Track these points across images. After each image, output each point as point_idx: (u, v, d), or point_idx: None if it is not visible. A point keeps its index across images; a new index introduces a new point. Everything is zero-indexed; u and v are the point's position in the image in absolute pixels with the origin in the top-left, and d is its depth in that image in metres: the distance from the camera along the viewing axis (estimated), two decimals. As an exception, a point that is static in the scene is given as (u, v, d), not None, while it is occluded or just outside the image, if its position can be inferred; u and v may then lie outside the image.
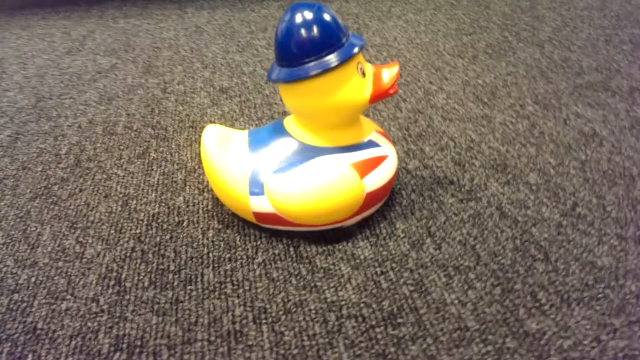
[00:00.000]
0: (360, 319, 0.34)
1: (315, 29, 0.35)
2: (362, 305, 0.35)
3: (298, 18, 0.35)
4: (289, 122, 0.41)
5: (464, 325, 0.33)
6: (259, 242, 0.40)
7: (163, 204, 0.45)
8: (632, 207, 0.42)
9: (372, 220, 0.42)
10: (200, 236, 0.41)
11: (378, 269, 0.37)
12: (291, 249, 0.39)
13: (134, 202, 0.45)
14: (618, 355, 0.30)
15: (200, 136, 0.55)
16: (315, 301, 0.35)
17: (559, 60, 0.69)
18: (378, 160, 0.39)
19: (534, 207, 0.43)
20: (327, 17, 0.35)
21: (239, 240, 0.40)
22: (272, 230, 0.41)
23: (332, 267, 0.38)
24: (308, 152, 0.39)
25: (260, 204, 0.38)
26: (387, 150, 0.40)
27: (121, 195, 0.46)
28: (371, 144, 0.40)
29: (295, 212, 0.37)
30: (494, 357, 0.31)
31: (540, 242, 0.39)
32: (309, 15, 0.35)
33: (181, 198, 0.46)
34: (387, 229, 0.41)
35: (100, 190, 0.47)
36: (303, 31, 0.35)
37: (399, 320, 0.33)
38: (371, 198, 0.39)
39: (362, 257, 0.38)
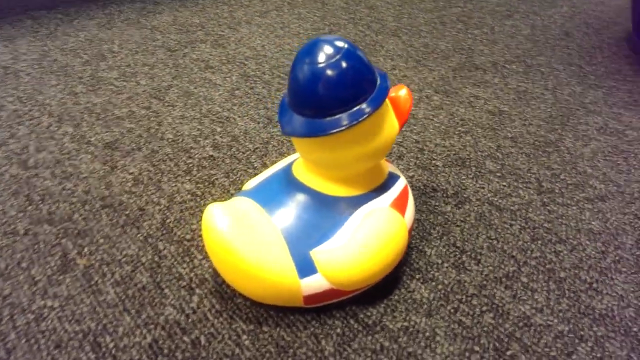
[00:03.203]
0: (476, 369, 0.31)
1: (352, 74, 0.29)
2: (467, 354, 0.32)
3: (329, 61, 0.29)
4: (301, 173, 0.34)
5: (558, 331, 0.33)
6: (312, 329, 0.33)
7: (152, 326, 0.33)
8: (576, 171, 0.48)
9: (401, 255, 0.39)
10: (236, 350, 0.32)
11: (449, 307, 0.35)
12: (351, 321, 0.34)
13: (108, 338, 0.32)
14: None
15: (194, 221, 0.42)
16: (421, 370, 0.31)
17: (422, 47, 0.75)
18: (405, 193, 0.36)
19: (514, 192, 0.46)
20: (362, 56, 0.30)
21: (287, 335, 0.33)
22: (315, 309, 0.34)
23: (407, 324, 0.34)
24: (344, 206, 0.33)
25: (314, 285, 0.31)
26: (403, 178, 0.38)
27: (80, 336, 0.32)
28: (393, 178, 0.36)
29: (359, 279, 0.32)
30: (600, 353, 0.32)
31: (544, 225, 0.42)
32: (341, 57, 0.29)
33: (170, 309, 0.34)
34: (421, 259, 0.39)
35: (41, 342, 0.32)
36: (339, 78, 0.29)
37: (509, 353, 0.32)
38: (409, 234, 0.36)
39: (424, 300, 0.35)
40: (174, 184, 0.46)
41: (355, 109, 0.30)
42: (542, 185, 0.47)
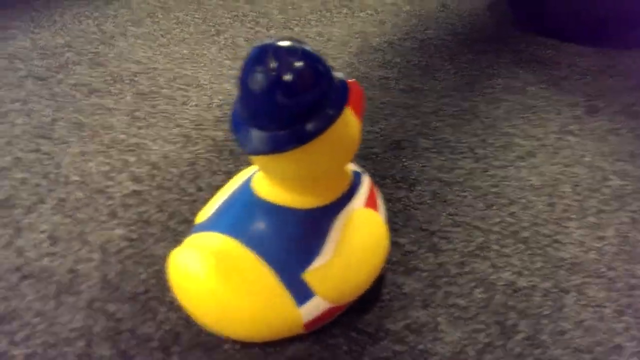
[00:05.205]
0: (491, 348, 0.31)
1: (314, 77, 0.26)
2: (473, 335, 0.32)
3: (288, 66, 0.25)
4: (265, 190, 0.30)
5: (544, 289, 0.35)
6: (317, 354, 0.30)
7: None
8: (499, 133, 0.51)
9: (377, 252, 0.37)
10: (244, 404, 0.28)
11: (440, 293, 0.34)
12: (353, 334, 0.32)
13: None
14: None
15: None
16: (439, 365, 0.30)
17: (317, 37, 0.74)
18: (372, 188, 0.35)
19: (454, 165, 0.47)
20: (319, 56, 0.27)
21: (294, 370, 0.29)
22: (312, 332, 0.31)
23: (409, 321, 0.32)
24: (322, 217, 0.30)
25: (314, 309, 0.29)
26: (364, 172, 0.36)
27: None
28: (356, 175, 0.35)
29: (358, 289, 0.30)
30: (585, 300, 0.34)
31: (492, 190, 0.44)
32: (299, 59, 0.25)
33: (148, 380, 0.29)
34: (398, 251, 0.38)
35: None
36: (302, 83, 0.26)
37: (509, 323, 0.32)
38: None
39: (415, 292, 0.34)
40: (101, 233, 0.39)
41: (322, 112, 0.27)
42: (476, 153, 0.49)
